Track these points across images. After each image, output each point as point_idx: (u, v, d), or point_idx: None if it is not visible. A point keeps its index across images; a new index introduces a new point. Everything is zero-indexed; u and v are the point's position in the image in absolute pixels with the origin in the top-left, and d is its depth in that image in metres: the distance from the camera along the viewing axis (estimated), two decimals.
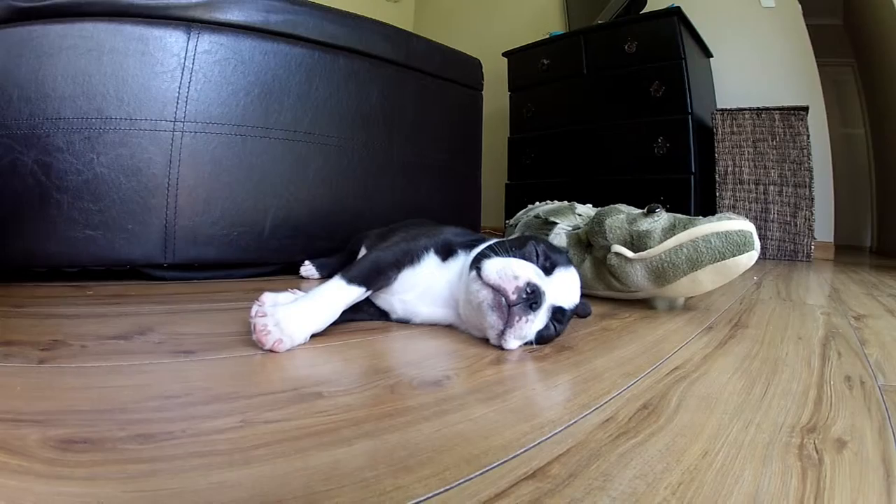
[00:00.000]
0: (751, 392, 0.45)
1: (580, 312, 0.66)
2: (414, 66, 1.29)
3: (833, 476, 0.30)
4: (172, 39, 0.89)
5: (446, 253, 0.63)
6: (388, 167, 1.23)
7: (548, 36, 2.71)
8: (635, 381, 0.47)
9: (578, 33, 2.51)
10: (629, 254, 0.82)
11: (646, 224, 0.82)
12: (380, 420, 0.35)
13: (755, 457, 0.32)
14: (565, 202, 1.13)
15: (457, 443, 0.32)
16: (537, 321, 0.54)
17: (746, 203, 2.21)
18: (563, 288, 0.57)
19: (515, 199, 2.59)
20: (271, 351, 0.48)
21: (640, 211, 0.88)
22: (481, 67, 1.55)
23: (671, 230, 0.79)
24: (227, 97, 0.95)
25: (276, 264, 1.06)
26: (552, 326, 0.56)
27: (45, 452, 0.27)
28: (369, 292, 0.60)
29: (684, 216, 0.82)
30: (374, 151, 1.19)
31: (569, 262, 0.61)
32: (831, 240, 2.46)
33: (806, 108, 2.14)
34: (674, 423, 0.37)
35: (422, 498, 0.26)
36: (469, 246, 0.63)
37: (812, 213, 2.11)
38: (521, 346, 0.55)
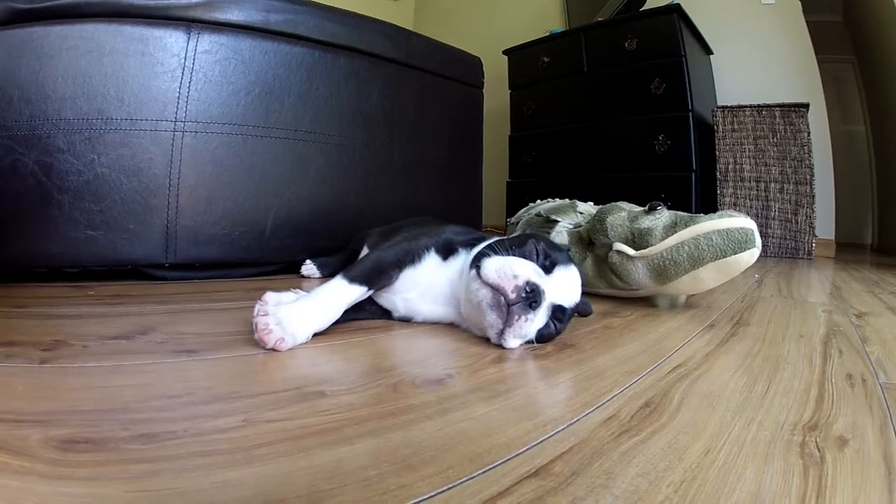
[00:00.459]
0: (752, 390, 0.45)
1: (581, 311, 0.65)
2: (414, 65, 1.28)
3: (835, 474, 0.30)
4: (172, 39, 0.89)
5: (447, 252, 0.63)
6: (389, 166, 1.23)
7: (548, 34, 2.71)
8: (637, 379, 0.47)
9: (578, 31, 2.50)
10: (631, 251, 0.82)
11: (647, 222, 0.82)
12: (382, 419, 0.35)
13: (757, 455, 0.32)
14: (566, 200, 1.13)
15: (459, 441, 0.32)
16: (537, 320, 0.54)
17: (747, 200, 2.20)
18: (564, 286, 0.57)
19: (517, 198, 2.58)
20: (273, 350, 0.48)
21: (642, 208, 0.88)
22: (482, 65, 1.55)
23: (672, 228, 0.79)
24: (227, 97, 0.95)
25: (278, 264, 1.06)
26: (553, 325, 0.56)
27: (47, 453, 0.27)
28: (371, 291, 0.60)
29: (685, 214, 0.82)
30: (374, 150, 1.19)
31: (569, 261, 0.60)
32: (832, 237, 2.46)
33: (806, 105, 2.13)
34: (676, 421, 0.37)
35: (425, 496, 0.26)
36: (470, 244, 0.64)
37: (813, 211, 2.11)
38: (522, 344, 0.55)
